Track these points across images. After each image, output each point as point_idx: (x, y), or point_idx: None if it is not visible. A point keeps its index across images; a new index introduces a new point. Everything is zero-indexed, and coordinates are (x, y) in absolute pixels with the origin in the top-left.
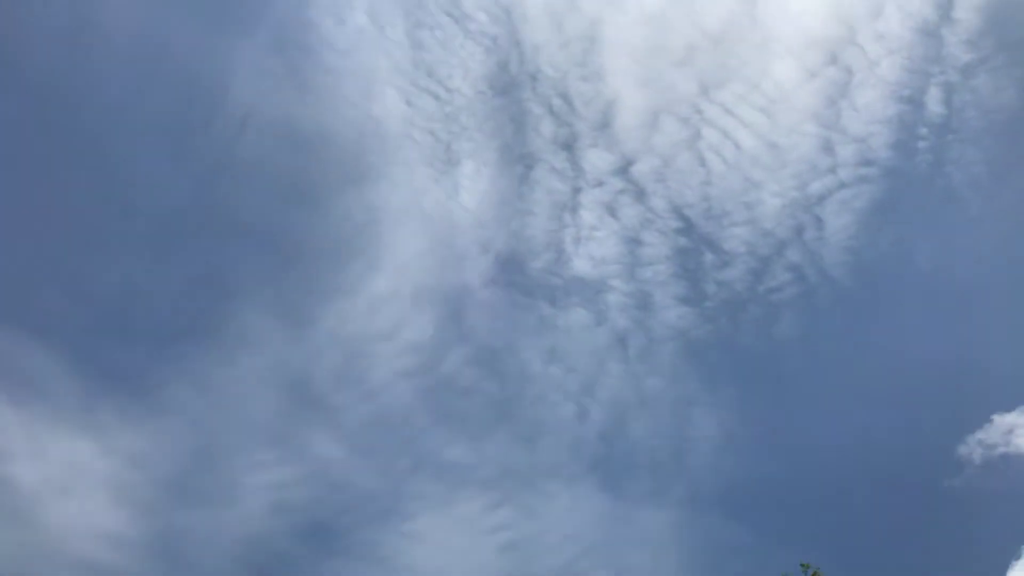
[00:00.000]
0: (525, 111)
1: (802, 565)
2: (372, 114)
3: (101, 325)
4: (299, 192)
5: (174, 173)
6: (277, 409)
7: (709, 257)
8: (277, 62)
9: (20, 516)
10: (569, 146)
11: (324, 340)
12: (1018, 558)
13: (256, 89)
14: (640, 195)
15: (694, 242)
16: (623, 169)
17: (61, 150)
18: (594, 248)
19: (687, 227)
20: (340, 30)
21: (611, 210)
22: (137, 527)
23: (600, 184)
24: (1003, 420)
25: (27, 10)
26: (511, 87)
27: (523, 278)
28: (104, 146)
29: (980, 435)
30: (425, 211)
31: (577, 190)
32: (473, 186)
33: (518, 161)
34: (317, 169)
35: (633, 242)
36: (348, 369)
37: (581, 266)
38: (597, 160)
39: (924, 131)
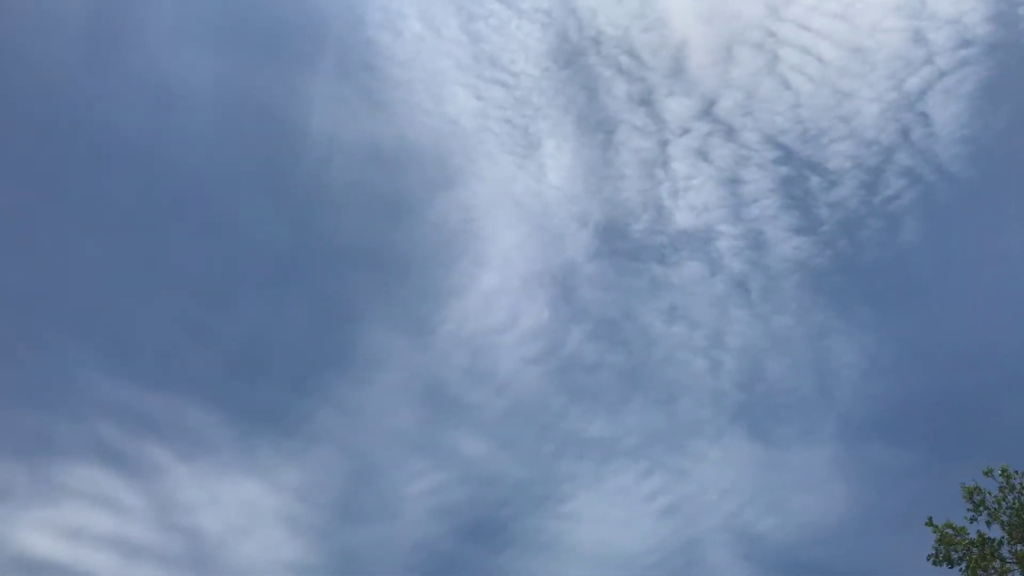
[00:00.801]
0: (594, 76)
1: (1002, 470)
2: (446, 116)
3: (242, 372)
4: (394, 207)
5: (275, 213)
6: (419, 418)
7: (815, 181)
8: (346, 87)
9: (210, 561)
10: (646, 101)
11: (448, 343)
12: None
13: (333, 117)
14: (729, 133)
15: (796, 168)
16: (706, 111)
17: (164, 213)
18: (693, 198)
19: (785, 155)
20: (398, 42)
21: (703, 155)
22: (315, 552)
23: (686, 132)
24: None
25: (109, 80)
26: (575, 56)
27: (627, 243)
28: (205, 200)
29: None
30: (517, 198)
31: (664, 143)
32: (558, 163)
33: (598, 128)
34: (406, 181)
35: (732, 183)
36: (476, 366)
37: (683, 219)
38: (677, 108)
39: None
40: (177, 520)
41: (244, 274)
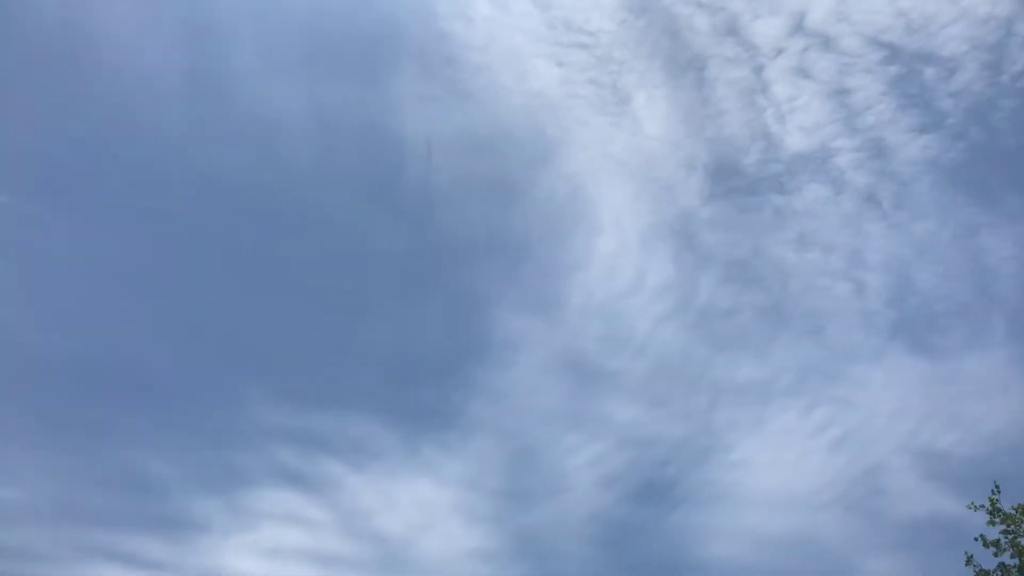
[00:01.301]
0: (673, 16)
1: None
2: (532, 90)
3: (393, 378)
4: (500, 191)
5: (391, 221)
6: (566, 393)
7: (930, 73)
8: (432, 84)
9: (399, 561)
10: (732, 29)
11: (580, 315)
12: None
13: (425, 116)
14: (826, 44)
15: (906, 65)
16: (797, 26)
17: (288, 242)
18: (801, 118)
19: (892, 53)
20: (471, 29)
21: (802, 73)
22: (493, 538)
23: (780, 52)
24: None
25: (213, 123)
26: (650, 1)
27: (741, 179)
28: (323, 222)
29: None
30: (618, 158)
31: (759, 69)
32: (653, 114)
33: (687, 68)
34: (507, 163)
35: (840, 94)
36: (612, 333)
37: (795, 142)
38: (766, 29)
39: None
40: (361, 527)
41: (374, 284)
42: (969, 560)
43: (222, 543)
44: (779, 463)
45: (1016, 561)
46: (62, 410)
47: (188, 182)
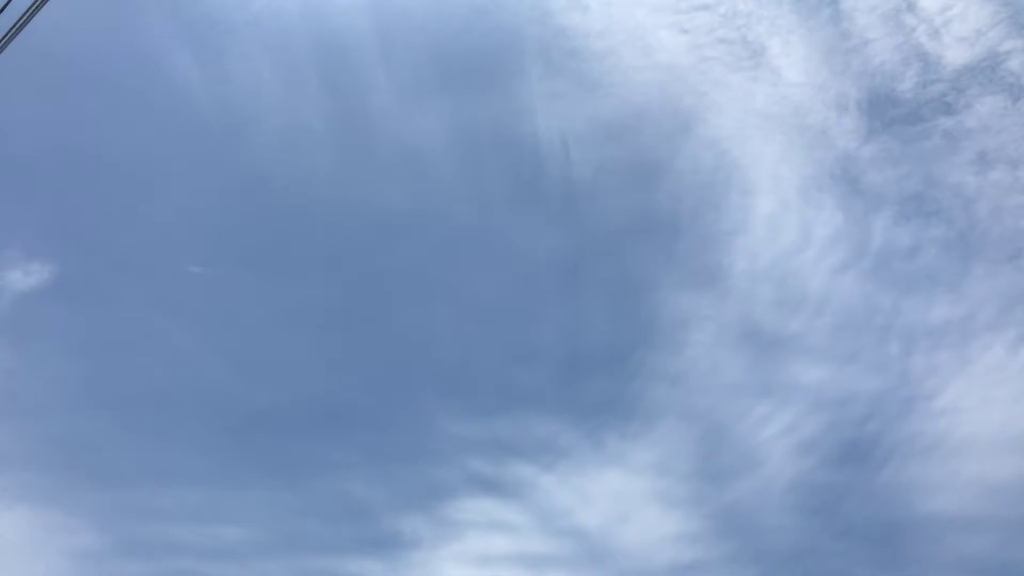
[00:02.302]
0: None
1: None
2: (660, 64)
3: (567, 373)
4: (644, 172)
5: (542, 225)
6: (745, 365)
7: None
8: (558, 81)
9: (602, 553)
10: None
11: (747, 282)
12: None
13: (557, 114)
14: None
15: None
16: None
17: (443, 265)
18: (958, 28)
19: None
20: (588, 16)
21: None
22: (694, 520)
23: None
24: None
25: (359, 159)
26: None
27: (900, 108)
28: (475, 237)
29: None
30: (762, 113)
31: None
32: (791, 60)
33: (819, 5)
34: (646, 142)
35: None
36: (785, 295)
37: (956, 55)
38: None
39: None
40: (560, 525)
41: (534, 286)
42: None
43: (432, 556)
44: (991, 404)
45: None
46: (272, 452)
47: (347, 221)
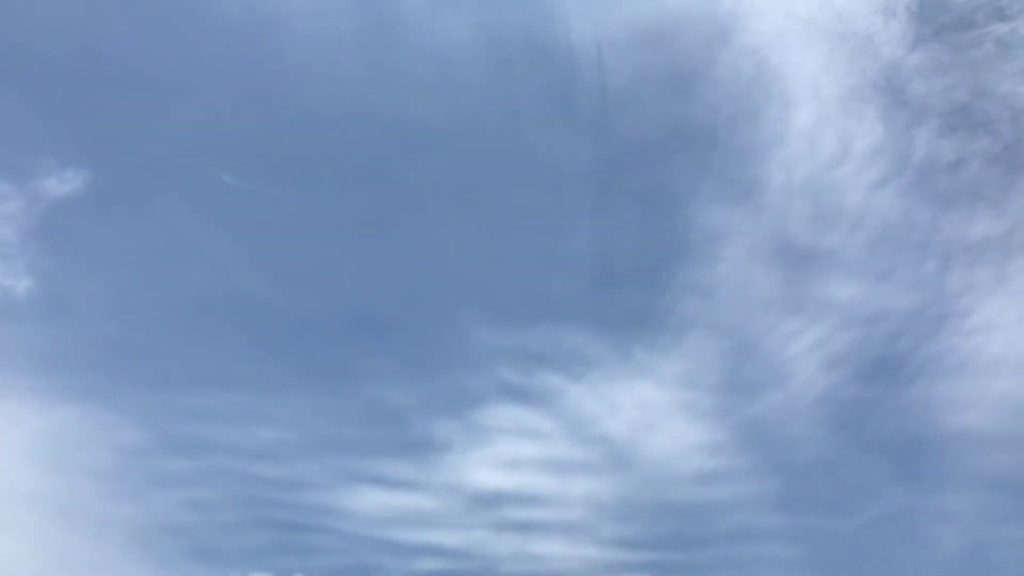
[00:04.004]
0: None
1: None
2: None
3: (598, 285)
4: (681, 79)
5: (574, 129)
6: (778, 279)
7: None
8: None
9: (627, 461)
10: None
11: (783, 196)
12: None
13: (592, 19)
14: None
15: None
16: None
17: (478, 181)
18: None
19: None
20: None
21: None
22: (718, 430)
23: None
24: None
25: (385, 63)
26: None
27: (950, 13)
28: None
29: None
30: (803, 17)
31: None
32: None
33: None
34: (683, 49)
35: None
36: (821, 209)
37: None
38: None
39: None
40: (588, 433)
41: (566, 196)
42: None
43: (463, 460)
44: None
45: None
46: (311, 358)
47: (377, 131)
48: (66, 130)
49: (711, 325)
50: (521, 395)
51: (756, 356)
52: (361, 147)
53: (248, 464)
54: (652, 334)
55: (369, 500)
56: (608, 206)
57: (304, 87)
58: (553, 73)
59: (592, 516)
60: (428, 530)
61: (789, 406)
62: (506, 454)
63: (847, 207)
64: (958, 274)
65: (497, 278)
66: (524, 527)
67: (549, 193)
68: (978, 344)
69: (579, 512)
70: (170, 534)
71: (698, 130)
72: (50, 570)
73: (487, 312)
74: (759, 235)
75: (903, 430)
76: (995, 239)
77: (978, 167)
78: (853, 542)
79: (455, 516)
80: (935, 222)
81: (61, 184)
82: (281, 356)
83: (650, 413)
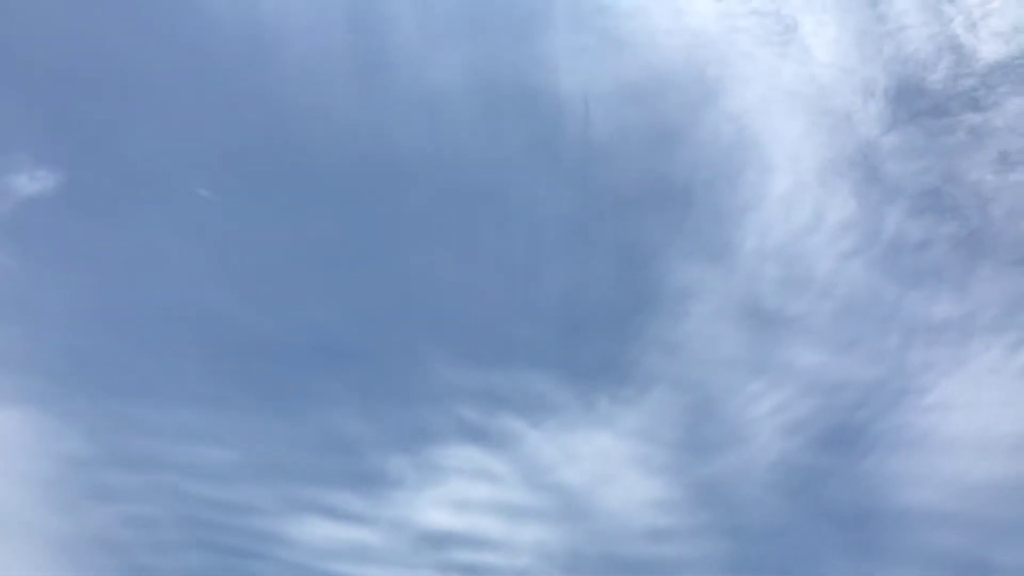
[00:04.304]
0: None
1: None
2: (690, 28)
3: (565, 333)
4: (663, 138)
5: (554, 182)
6: (744, 341)
7: None
8: (584, 36)
9: (580, 511)
10: None
11: (755, 259)
12: None
13: (580, 71)
14: None
15: None
16: None
17: (452, 211)
18: (996, 22)
19: None
20: None
21: None
22: (674, 487)
23: None
24: None
25: (374, 90)
26: None
27: (927, 100)
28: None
29: None
30: (788, 90)
31: None
32: (823, 39)
33: None
34: (668, 108)
35: None
36: (791, 275)
37: (990, 51)
38: None
39: None
40: (543, 480)
41: (541, 242)
42: None
43: (414, 497)
44: (982, 405)
45: None
46: (269, 380)
47: (359, 159)
48: (43, 128)
49: (674, 381)
50: (479, 436)
51: (716, 415)
52: (341, 174)
53: (194, 483)
54: (616, 385)
55: (315, 530)
56: (582, 255)
57: (290, 109)
58: (539, 119)
59: (540, 564)
60: (373, 566)
61: (745, 468)
62: (459, 494)
63: (816, 275)
64: (918, 352)
65: (465, 317)
66: (471, 570)
67: (525, 237)
68: (934, 422)
69: (527, 559)
70: (106, 550)
71: (676, 188)
72: None
73: (452, 350)
74: (729, 295)
75: (856, 501)
76: (955, 321)
77: (944, 250)
78: None
79: (401, 554)
80: (899, 299)
81: (32, 182)
82: (239, 376)
83: (607, 465)
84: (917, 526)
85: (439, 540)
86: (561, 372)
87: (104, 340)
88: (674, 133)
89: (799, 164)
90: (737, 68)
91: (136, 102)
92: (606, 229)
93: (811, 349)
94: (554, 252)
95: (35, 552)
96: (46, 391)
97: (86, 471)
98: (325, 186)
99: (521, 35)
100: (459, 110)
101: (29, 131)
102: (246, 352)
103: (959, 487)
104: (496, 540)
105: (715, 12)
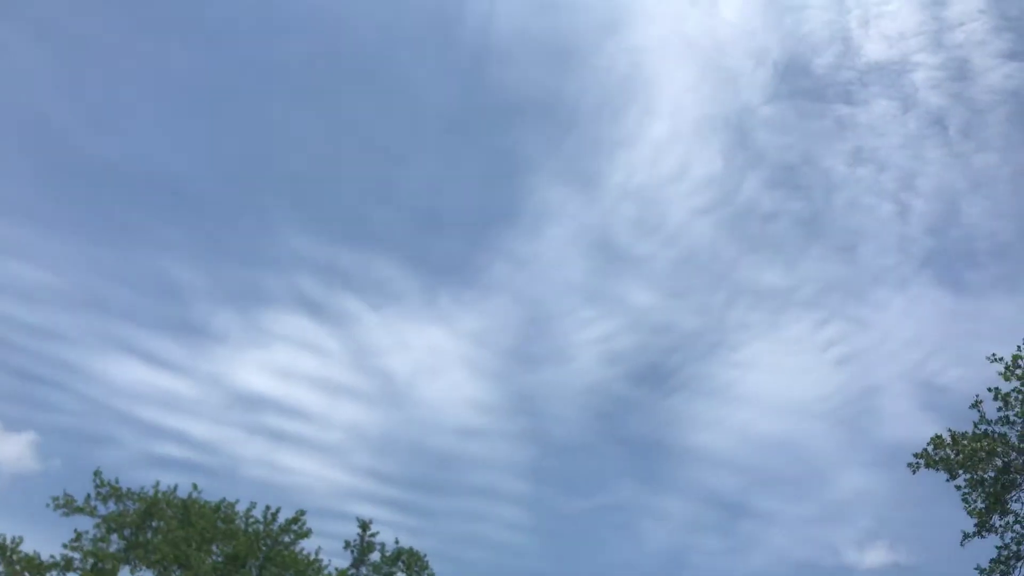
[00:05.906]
0: None
1: None
2: None
3: (423, 227)
4: (561, 55)
5: (445, 72)
6: (588, 269)
7: None
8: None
9: (401, 398)
10: None
11: (616, 195)
12: None
13: None
14: None
15: None
16: None
17: (346, 81)
18: (887, 25)
19: None
20: None
21: None
22: (494, 392)
23: None
24: None
25: None
26: None
27: (809, 81)
28: (380, 65)
29: None
30: (689, 38)
31: None
32: None
33: None
34: (573, 26)
35: (934, 5)
36: (645, 217)
37: (875, 50)
38: None
39: None
40: (370, 363)
41: (420, 133)
42: (976, 404)
43: (236, 355)
44: (781, 369)
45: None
46: (104, 209)
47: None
48: None
49: (515, 293)
50: (315, 309)
51: (547, 333)
52: (221, 16)
53: (1, 300)
54: (460, 286)
55: (124, 370)
56: (455, 153)
57: None
58: (443, 15)
59: (350, 443)
60: (179, 416)
61: (564, 386)
62: (283, 362)
63: (667, 223)
64: (739, 312)
65: (323, 189)
66: (279, 436)
67: (400, 123)
68: (736, 376)
69: (338, 436)
70: None
71: (562, 109)
72: None
73: (303, 218)
74: (584, 223)
75: (651, 434)
76: (779, 291)
77: (786, 224)
78: (579, 521)
79: (211, 409)
80: (736, 261)
81: None
82: (70, 198)
83: (436, 359)
84: (697, 464)
85: (254, 402)
86: (409, 263)
87: None
88: (573, 52)
89: (680, 114)
90: (647, 4)
91: None
92: (484, 132)
93: (645, 290)
94: (426, 144)
95: None
96: None
97: None
98: (203, 22)
99: None
100: (360, 7)
101: None
102: (83, 176)
103: (740, 437)
104: (311, 412)
105: None
